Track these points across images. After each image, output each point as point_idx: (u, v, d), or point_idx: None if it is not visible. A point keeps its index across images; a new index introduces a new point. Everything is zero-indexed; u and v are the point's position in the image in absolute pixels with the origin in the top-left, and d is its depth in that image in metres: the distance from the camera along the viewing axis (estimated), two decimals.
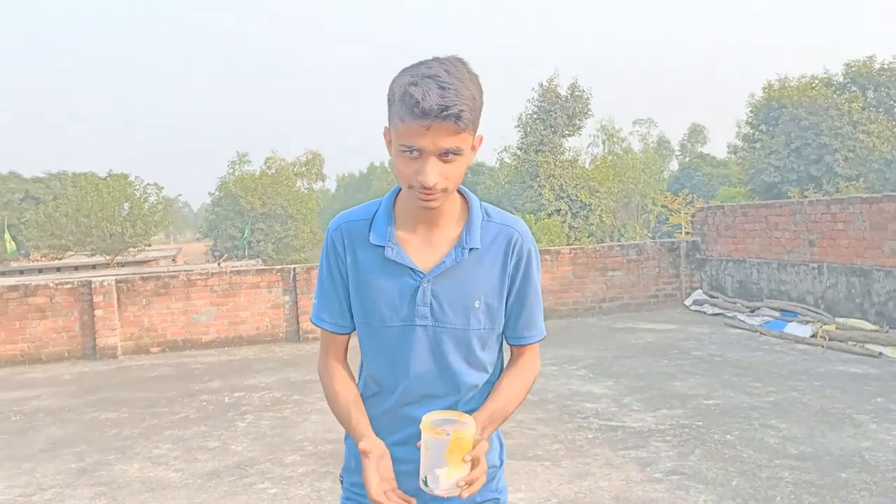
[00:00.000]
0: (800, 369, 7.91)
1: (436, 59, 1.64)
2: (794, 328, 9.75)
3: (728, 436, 5.72)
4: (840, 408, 6.37)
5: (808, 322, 9.81)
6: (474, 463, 1.61)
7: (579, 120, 31.79)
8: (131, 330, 11.03)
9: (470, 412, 1.77)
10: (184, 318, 11.20)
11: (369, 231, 1.78)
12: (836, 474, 4.86)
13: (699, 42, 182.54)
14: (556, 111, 31.04)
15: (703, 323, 11.11)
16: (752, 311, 11.07)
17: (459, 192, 1.81)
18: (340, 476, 1.97)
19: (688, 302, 12.54)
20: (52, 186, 37.20)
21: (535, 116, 31.65)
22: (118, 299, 10.94)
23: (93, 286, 10.82)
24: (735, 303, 11.61)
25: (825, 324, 9.52)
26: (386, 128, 1.69)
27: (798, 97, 29.95)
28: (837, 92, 30.95)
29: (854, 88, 31.55)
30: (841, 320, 9.58)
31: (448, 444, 1.56)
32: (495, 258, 1.78)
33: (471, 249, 1.76)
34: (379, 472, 1.68)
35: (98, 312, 10.76)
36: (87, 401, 8.14)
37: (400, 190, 1.79)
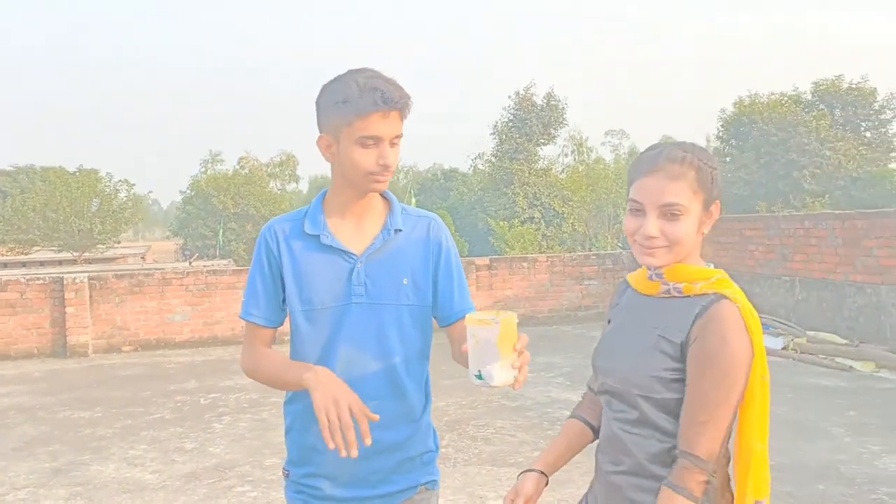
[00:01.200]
0: (773, 381, 7.99)
1: (364, 68, 1.89)
2: (766, 340, 9.90)
3: None
4: (814, 420, 6.49)
5: (779, 335, 9.97)
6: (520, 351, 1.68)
7: (554, 129, 31.96)
8: (103, 328, 10.87)
9: (404, 387, 1.95)
10: (158, 318, 11.07)
11: (303, 225, 1.96)
12: (814, 486, 4.95)
13: (673, 53, 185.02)
14: (532, 119, 31.18)
15: None
16: None
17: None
18: (285, 469, 2.05)
19: None
20: (20, 180, 36.51)
21: (510, 124, 31.75)
22: (90, 296, 10.77)
23: (65, 283, 10.65)
24: None
25: (796, 337, 9.69)
26: (322, 136, 1.90)
27: (768, 113, 30.44)
28: (806, 109, 31.51)
29: (822, 106, 32.14)
30: (812, 333, 9.75)
31: (498, 330, 1.59)
32: (418, 241, 1.99)
33: (396, 231, 1.96)
34: (340, 385, 1.78)
35: (69, 310, 10.59)
36: (60, 399, 8.01)
37: (326, 193, 2.01)
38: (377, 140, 1.83)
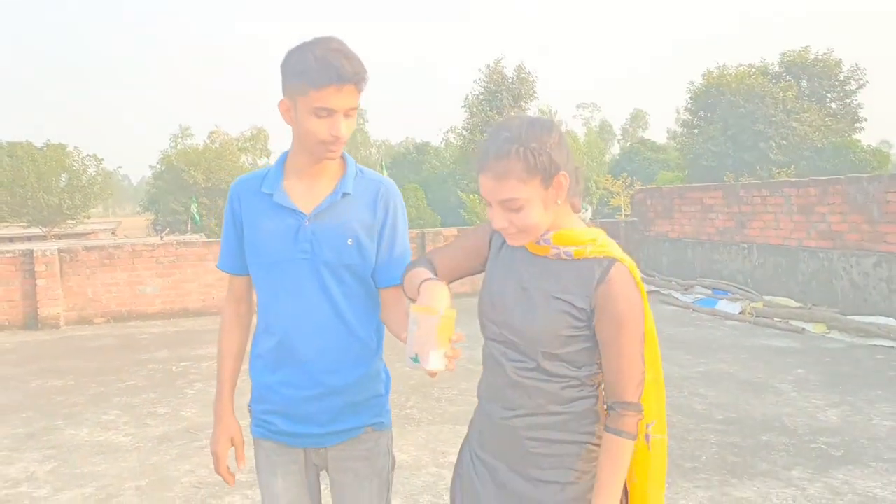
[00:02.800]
0: (728, 343, 8.35)
1: (328, 38, 1.96)
2: (724, 305, 10.24)
3: None
4: (764, 378, 6.79)
5: (737, 300, 10.29)
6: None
7: (525, 102, 32.07)
8: (75, 300, 10.93)
9: (352, 335, 2.10)
10: (129, 290, 11.14)
11: (262, 184, 2.11)
12: (758, 437, 5.23)
13: (645, 25, 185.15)
14: (503, 92, 31.24)
15: None
16: (686, 289, 11.55)
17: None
18: (249, 407, 2.23)
19: None
20: None
21: (481, 97, 31.80)
22: (61, 269, 10.82)
23: (35, 255, 10.68)
24: (670, 281, 12.07)
25: (753, 301, 10.02)
26: (283, 100, 2.00)
27: (736, 85, 30.77)
28: (773, 81, 31.90)
29: (789, 78, 32.55)
30: (768, 298, 10.09)
31: (439, 321, 1.69)
32: (365, 203, 2.09)
33: (344, 194, 2.07)
34: (223, 441, 2.24)
35: (40, 282, 10.63)
36: (31, 369, 8.10)
37: (287, 154, 2.13)
38: (330, 112, 1.92)
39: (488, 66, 31.60)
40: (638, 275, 1.77)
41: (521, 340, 1.78)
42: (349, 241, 2.06)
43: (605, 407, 1.79)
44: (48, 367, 8.17)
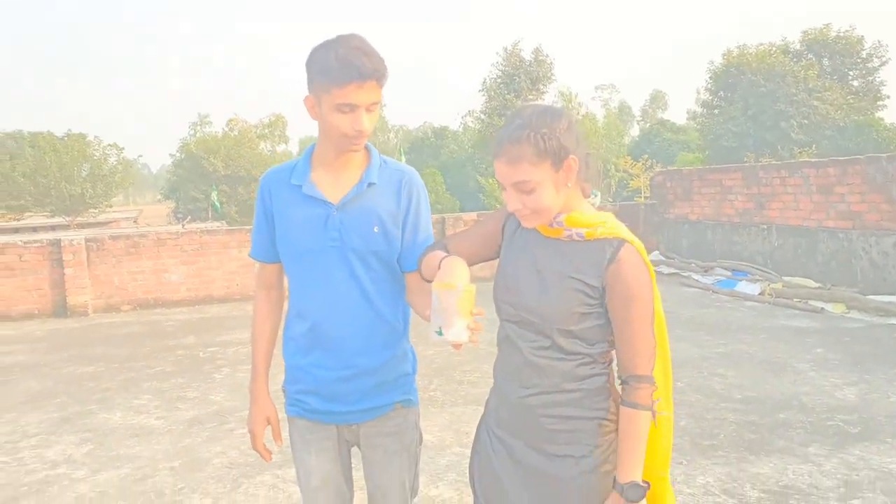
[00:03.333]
0: (748, 324, 8.39)
1: (349, 35, 2.04)
2: (744, 286, 10.26)
3: (678, 383, 6.11)
4: (783, 358, 6.84)
5: (757, 280, 10.31)
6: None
7: (543, 85, 31.87)
8: (102, 289, 11.15)
9: (380, 319, 2.21)
10: (154, 278, 11.35)
11: (290, 176, 2.20)
12: (776, 415, 5.30)
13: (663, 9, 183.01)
14: (520, 75, 31.09)
15: (660, 283, 11.29)
16: (706, 271, 11.57)
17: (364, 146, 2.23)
18: (284, 387, 2.35)
19: None
20: (8, 146, 36.35)
21: (498, 81, 31.65)
22: (88, 258, 11.03)
23: (62, 245, 10.89)
24: (690, 262, 12.09)
25: (773, 282, 10.03)
26: (308, 96, 2.09)
27: (756, 64, 30.43)
28: (794, 60, 31.51)
29: (810, 56, 32.13)
30: (787, 278, 10.10)
31: (460, 294, 1.77)
32: (390, 192, 2.19)
33: (370, 184, 2.17)
34: (259, 421, 2.38)
35: (68, 271, 10.86)
36: (62, 356, 8.31)
37: (314, 147, 2.22)
38: (353, 107, 2.01)
39: (505, 49, 31.44)
40: (646, 255, 1.86)
41: (537, 319, 1.85)
42: (375, 229, 2.16)
43: (619, 383, 1.87)
44: (78, 354, 8.37)
